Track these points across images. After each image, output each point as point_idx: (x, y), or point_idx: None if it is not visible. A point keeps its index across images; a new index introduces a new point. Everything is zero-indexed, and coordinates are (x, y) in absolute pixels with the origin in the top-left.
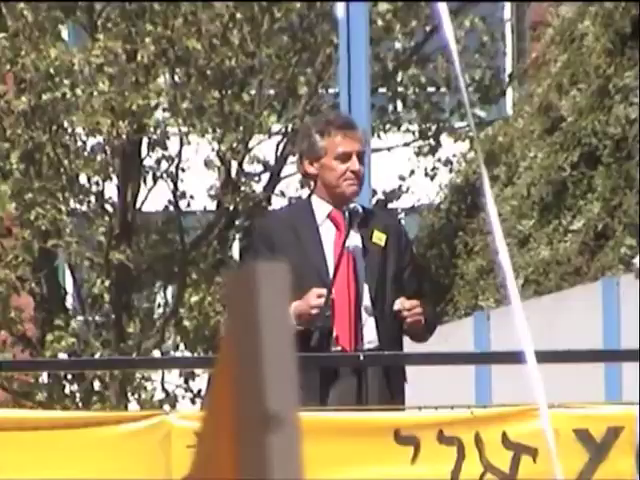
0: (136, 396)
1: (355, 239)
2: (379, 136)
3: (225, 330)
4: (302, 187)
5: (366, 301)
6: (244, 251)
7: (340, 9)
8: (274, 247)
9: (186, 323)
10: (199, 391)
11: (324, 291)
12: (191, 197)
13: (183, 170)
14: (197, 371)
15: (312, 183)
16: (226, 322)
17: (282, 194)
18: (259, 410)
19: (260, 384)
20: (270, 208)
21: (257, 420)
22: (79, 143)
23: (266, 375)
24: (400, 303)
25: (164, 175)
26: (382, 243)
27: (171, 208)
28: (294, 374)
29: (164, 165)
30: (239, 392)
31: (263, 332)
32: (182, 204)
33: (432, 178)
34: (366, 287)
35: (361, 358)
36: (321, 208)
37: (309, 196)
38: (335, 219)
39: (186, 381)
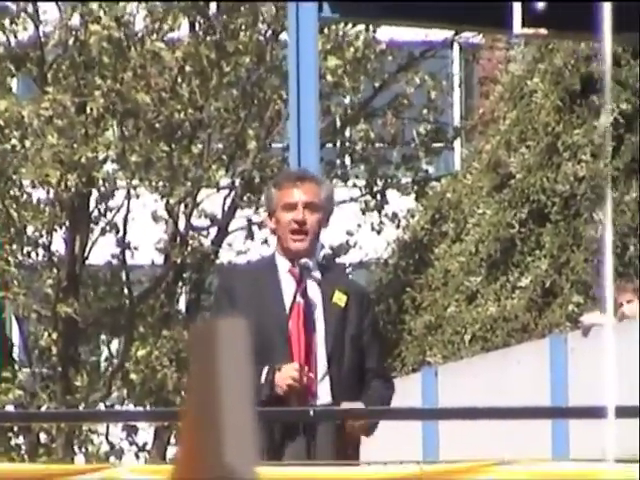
0: (83, 449)
1: (315, 295)
2: None
3: (188, 384)
4: (251, 240)
5: (321, 358)
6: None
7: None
8: (235, 302)
9: (132, 376)
10: (144, 444)
11: (296, 366)
12: (135, 249)
13: (128, 222)
14: (141, 425)
15: (276, 238)
16: (188, 377)
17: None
18: (217, 465)
19: (219, 440)
20: (223, 262)
21: (215, 475)
22: (27, 195)
23: (225, 431)
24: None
25: (112, 228)
26: (342, 304)
27: (118, 261)
28: (253, 430)
29: (111, 217)
30: (199, 446)
31: (222, 388)
32: (129, 257)
33: (379, 233)
34: (323, 345)
35: (311, 414)
36: (282, 263)
37: (274, 251)
38: (294, 274)
39: (129, 435)
